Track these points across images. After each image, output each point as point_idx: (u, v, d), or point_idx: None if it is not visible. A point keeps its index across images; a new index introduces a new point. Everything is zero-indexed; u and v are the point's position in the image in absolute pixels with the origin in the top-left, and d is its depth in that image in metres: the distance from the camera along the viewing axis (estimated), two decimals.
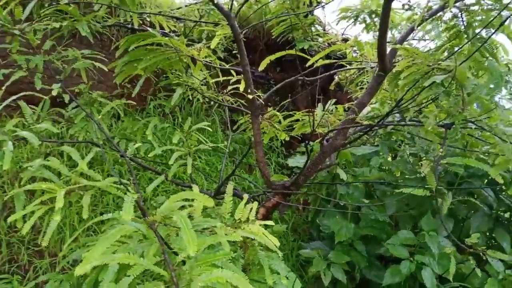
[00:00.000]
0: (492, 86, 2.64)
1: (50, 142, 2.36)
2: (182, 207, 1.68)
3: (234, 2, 2.38)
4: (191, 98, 3.70)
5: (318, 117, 2.73)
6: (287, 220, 3.76)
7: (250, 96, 2.39)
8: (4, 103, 1.92)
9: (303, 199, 3.71)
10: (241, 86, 2.61)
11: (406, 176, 3.07)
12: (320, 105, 2.90)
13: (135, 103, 3.39)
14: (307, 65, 2.66)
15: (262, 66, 2.59)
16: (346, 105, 2.99)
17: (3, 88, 1.98)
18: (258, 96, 2.55)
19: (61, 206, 1.49)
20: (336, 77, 4.29)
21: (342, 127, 2.43)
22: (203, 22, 3.35)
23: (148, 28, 2.45)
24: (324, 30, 4.27)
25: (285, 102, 2.94)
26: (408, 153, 3.13)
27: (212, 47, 2.58)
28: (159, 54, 2.45)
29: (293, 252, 3.38)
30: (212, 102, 3.95)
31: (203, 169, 3.67)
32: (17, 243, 2.83)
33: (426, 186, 2.18)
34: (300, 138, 3.25)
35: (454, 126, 2.10)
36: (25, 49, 2.22)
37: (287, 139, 2.99)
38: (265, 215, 2.42)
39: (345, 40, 4.01)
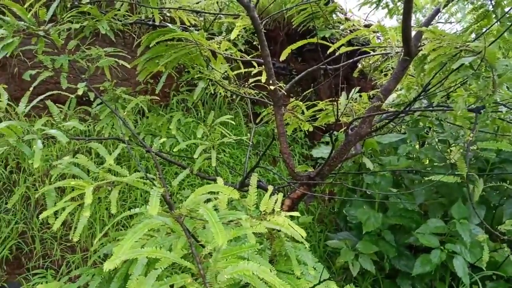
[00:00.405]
0: None
1: (77, 139, 2.41)
2: (208, 200, 1.69)
3: None
4: (213, 92, 3.71)
5: (342, 106, 2.68)
6: (313, 211, 3.73)
7: (272, 87, 2.37)
8: (32, 103, 1.97)
9: (329, 190, 3.68)
10: (263, 78, 2.60)
11: (435, 164, 2.99)
12: (343, 93, 2.85)
13: (159, 99, 3.43)
14: (328, 52, 2.61)
15: (283, 56, 2.56)
16: (371, 92, 2.93)
17: (31, 88, 2.03)
18: (280, 87, 2.53)
19: (90, 202, 1.53)
20: (359, 65, 4.21)
21: (368, 115, 2.38)
22: (223, 14, 3.34)
23: (168, 24, 2.45)
24: (346, 17, 4.19)
25: (307, 92, 2.90)
26: (436, 140, 3.05)
27: (232, 38, 2.57)
28: (180, 49, 2.46)
29: (320, 243, 3.36)
30: (234, 96, 3.95)
31: (228, 162, 3.68)
32: (50, 239, 2.92)
33: (456, 173, 2.12)
34: (324, 129, 3.21)
35: (484, 109, 2.02)
36: (50, 49, 2.27)
37: (311, 129, 2.96)
38: (290, 206, 2.41)
39: (368, 26, 3.91)
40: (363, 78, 4.57)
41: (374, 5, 3.28)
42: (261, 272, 1.25)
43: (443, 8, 2.36)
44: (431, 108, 2.52)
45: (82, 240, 2.90)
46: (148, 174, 1.83)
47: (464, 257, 2.52)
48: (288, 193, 2.50)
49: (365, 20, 4.24)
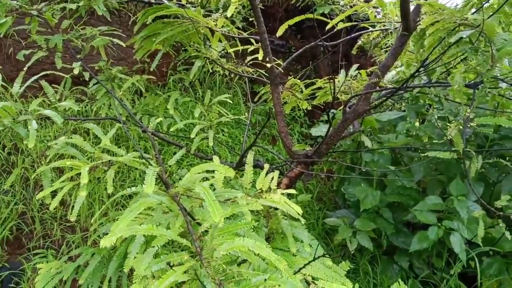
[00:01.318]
0: None
1: (73, 120, 2.40)
2: (206, 179, 1.70)
3: None
4: (211, 71, 3.67)
5: (340, 84, 2.66)
6: (312, 190, 3.75)
7: (269, 65, 2.35)
8: (26, 84, 1.95)
9: (328, 168, 3.68)
10: (259, 55, 2.57)
11: (435, 141, 2.98)
12: (342, 71, 2.82)
13: (155, 78, 3.40)
14: (327, 28, 2.57)
15: (280, 32, 2.52)
16: (369, 69, 2.89)
17: (25, 69, 2.01)
18: (278, 64, 2.50)
19: (86, 182, 1.53)
20: (359, 41, 4.15)
21: (365, 92, 2.35)
22: None
23: (164, 1, 2.41)
24: None
25: (305, 69, 2.86)
26: (436, 117, 3.02)
27: (228, 15, 2.52)
28: (177, 27, 2.42)
29: (319, 221, 3.39)
30: (232, 74, 3.92)
31: (226, 142, 3.68)
32: (49, 219, 2.95)
33: (453, 149, 2.11)
34: (323, 107, 3.19)
35: (482, 85, 1.99)
36: (44, 29, 2.24)
37: (309, 108, 2.93)
38: (288, 185, 2.41)
39: (367, 1, 3.84)
40: (363, 55, 4.52)
41: None
42: (256, 248, 1.26)
43: None
44: (429, 85, 2.49)
45: (82, 220, 2.92)
46: (144, 154, 1.83)
47: (461, 233, 2.54)
48: (286, 172, 2.50)
49: None
